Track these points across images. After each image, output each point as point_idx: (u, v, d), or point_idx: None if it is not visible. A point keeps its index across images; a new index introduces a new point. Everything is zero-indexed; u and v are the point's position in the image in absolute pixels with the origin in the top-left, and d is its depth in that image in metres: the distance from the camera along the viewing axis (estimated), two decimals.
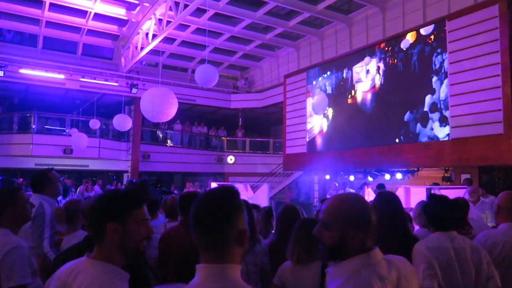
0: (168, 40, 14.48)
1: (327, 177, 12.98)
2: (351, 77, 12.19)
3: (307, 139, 13.66)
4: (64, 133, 14.89)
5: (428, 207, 2.35)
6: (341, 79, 12.51)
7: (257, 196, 10.15)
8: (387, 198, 2.48)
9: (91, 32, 14.67)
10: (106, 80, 15.13)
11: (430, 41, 9.93)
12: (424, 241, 2.24)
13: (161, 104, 5.09)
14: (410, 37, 10.43)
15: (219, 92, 18.00)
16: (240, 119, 19.14)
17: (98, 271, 1.39)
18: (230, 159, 17.72)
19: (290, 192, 12.97)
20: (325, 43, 14.92)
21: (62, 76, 14.47)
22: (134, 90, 15.02)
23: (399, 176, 10.93)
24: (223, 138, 18.76)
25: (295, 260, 2.37)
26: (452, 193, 6.26)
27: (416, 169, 10.72)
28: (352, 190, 10.85)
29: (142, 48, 13.07)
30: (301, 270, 2.34)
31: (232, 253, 1.19)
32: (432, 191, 6.41)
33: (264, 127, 20.13)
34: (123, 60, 15.48)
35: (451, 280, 2.09)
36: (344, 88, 12.44)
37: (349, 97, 12.24)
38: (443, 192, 6.40)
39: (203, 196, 1.27)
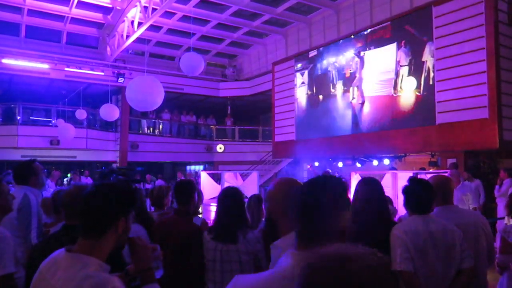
0: (154, 28, 14.28)
1: (316, 164, 13.06)
2: (338, 64, 12.20)
3: (296, 126, 13.71)
4: (50, 124, 14.69)
5: (406, 190, 2.39)
6: (329, 65, 12.50)
7: (247, 184, 10.17)
8: (367, 182, 2.52)
9: (75, 21, 14.38)
10: (92, 70, 14.90)
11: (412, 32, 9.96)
12: (401, 225, 2.28)
13: (147, 93, 5.04)
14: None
15: (207, 80, 17.88)
16: (229, 107, 19.08)
17: (77, 267, 1.34)
18: (220, 147, 17.71)
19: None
20: (313, 30, 14.86)
21: (46, 66, 14.21)
22: (120, 80, 14.83)
23: (386, 162, 11.05)
24: (212, 126, 18.71)
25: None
26: None
27: (403, 154, 10.85)
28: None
29: (127, 37, 12.87)
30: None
31: (333, 241, 1.08)
32: (418, 176, 6.50)
33: (253, 115, 20.11)
34: (108, 49, 15.24)
35: (427, 262, 2.15)
36: (332, 74, 12.44)
37: (336, 84, 12.28)
38: (430, 176, 6.49)
39: (315, 184, 1.21)
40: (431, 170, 9.28)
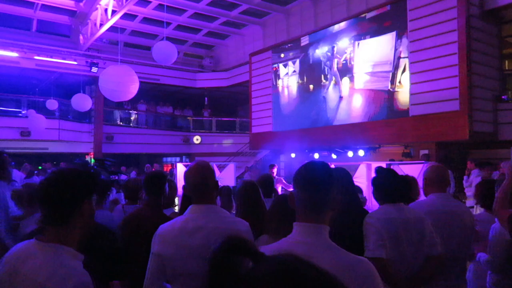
0: (129, 16, 13.94)
1: (293, 155, 13.14)
2: (311, 58, 12.24)
3: (273, 118, 13.74)
4: (21, 114, 14.19)
5: (375, 180, 2.43)
6: (322, 55, 12.40)
7: (224, 175, 10.12)
8: (337, 172, 2.56)
9: (46, 8, 13.86)
10: (64, 59, 14.44)
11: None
12: (374, 213, 2.33)
13: (121, 82, 4.91)
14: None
15: (184, 71, 17.64)
16: (206, 98, 18.92)
17: (49, 254, 1.32)
18: (197, 139, 17.57)
19: (250, 172, 12.73)
20: (291, 21, 14.85)
21: (16, 54, 13.67)
22: (94, 69, 14.44)
23: (361, 153, 11.22)
24: (189, 118, 18.52)
25: (272, 234, 2.41)
26: (411, 168, 6.51)
27: (378, 146, 11.04)
28: None
29: (101, 25, 12.52)
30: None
31: (327, 216, 1.37)
32: (391, 166, 6.63)
33: (231, 107, 20.01)
34: (81, 37, 14.79)
35: (398, 249, 2.20)
36: (308, 67, 12.49)
37: (310, 76, 12.33)
38: (403, 167, 6.63)
39: (312, 167, 1.41)
40: (404, 161, 9.49)
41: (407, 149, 10.59)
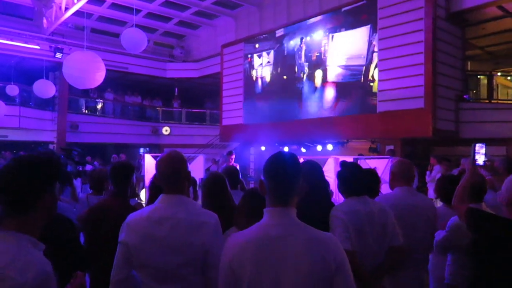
0: (96, 1, 13.45)
1: (263, 148, 13.18)
2: (285, 51, 12.28)
3: (244, 111, 13.70)
4: None
5: (340, 173, 2.47)
6: (278, 50, 12.53)
7: (193, 167, 9.99)
8: (310, 165, 2.59)
9: None
10: (26, 43, 13.75)
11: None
12: (339, 206, 2.37)
13: (86, 69, 4.72)
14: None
15: (154, 60, 17.25)
16: (176, 89, 18.61)
17: (10, 243, 1.26)
18: (166, 130, 17.29)
19: (215, 165, 12.68)
20: (264, 14, 14.79)
21: None
22: (58, 55, 13.85)
23: (330, 147, 11.41)
24: (158, 108, 18.18)
25: (242, 227, 2.40)
26: (377, 163, 6.68)
27: (346, 140, 11.26)
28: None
29: (66, 9, 12.01)
30: None
31: (294, 201, 1.51)
32: (359, 161, 6.79)
33: (201, 98, 19.77)
34: (45, 21, 14.13)
35: (363, 241, 2.26)
36: (279, 60, 12.51)
37: (283, 68, 12.37)
38: (369, 161, 6.80)
39: (281, 157, 1.53)
40: (370, 156, 9.72)
41: (374, 144, 10.86)
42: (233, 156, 9.29)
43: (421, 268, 2.76)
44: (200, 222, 1.76)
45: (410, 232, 2.59)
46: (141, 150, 17.91)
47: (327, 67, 11.04)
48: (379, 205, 2.42)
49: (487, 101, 10.39)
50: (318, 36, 11.36)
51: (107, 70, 6.13)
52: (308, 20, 11.75)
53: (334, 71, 10.84)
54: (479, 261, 2.27)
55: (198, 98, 19.45)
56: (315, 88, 11.41)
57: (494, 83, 11.03)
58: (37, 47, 13.91)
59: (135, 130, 16.70)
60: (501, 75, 11.93)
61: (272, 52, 12.78)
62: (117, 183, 2.58)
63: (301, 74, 11.82)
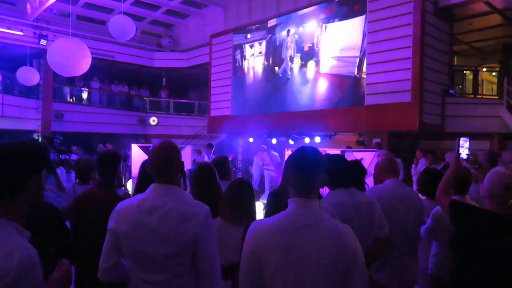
0: None
1: (251, 140, 13.17)
2: (277, 41, 12.22)
3: (232, 102, 13.64)
4: None
5: (328, 166, 2.48)
6: (269, 41, 12.42)
7: None
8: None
9: None
10: (8, 28, 13.40)
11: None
12: (327, 197, 2.39)
13: (71, 56, 4.62)
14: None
15: (141, 49, 17.01)
16: (164, 79, 18.41)
17: None
18: (153, 120, 17.13)
19: (200, 156, 12.74)
20: (253, 3, 14.67)
21: None
22: (43, 42, 13.54)
23: (317, 139, 11.46)
24: (145, 98, 17.96)
25: (235, 220, 2.42)
26: (364, 156, 6.74)
27: (333, 133, 11.32)
28: (276, 153, 11.16)
29: None
30: (231, 227, 2.43)
31: (316, 192, 1.63)
32: (346, 154, 6.83)
33: (190, 88, 19.61)
34: (29, 6, 13.77)
35: None
36: (271, 50, 12.44)
37: (272, 61, 12.31)
38: (356, 154, 6.85)
39: (307, 151, 1.63)
40: (357, 149, 9.80)
41: (361, 137, 10.95)
42: (213, 150, 9.67)
43: (413, 255, 2.85)
44: (191, 213, 1.74)
45: (402, 221, 2.69)
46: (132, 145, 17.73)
47: (319, 59, 10.95)
48: (366, 197, 2.45)
49: (472, 96, 10.54)
50: (310, 26, 11.20)
51: (93, 58, 6.01)
52: (299, 11, 11.61)
53: (328, 63, 10.73)
54: (462, 253, 2.32)
55: (187, 89, 19.29)
56: (307, 80, 11.35)
57: (480, 78, 11.18)
58: (21, 33, 13.57)
59: (122, 120, 16.50)
60: (486, 71, 12.09)
61: (264, 42, 12.66)
62: (104, 173, 2.55)
63: (292, 65, 11.74)
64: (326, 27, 10.78)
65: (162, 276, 1.71)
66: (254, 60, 12.97)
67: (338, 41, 10.52)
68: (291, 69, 11.75)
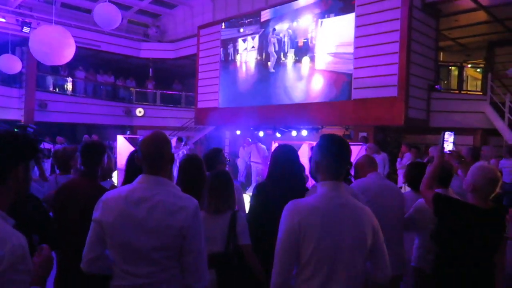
0: None
1: (238, 132, 13.16)
2: (263, 34, 12.16)
3: (220, 94, 13.57)
4: None
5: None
6: (282, 32, 11.91)
7: None
8: (286, 149, 2.62)
9: None
10: None
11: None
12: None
13: (54, 44, 4.51)
14: None
15: (128, 39, 16.74)
16: (151, 69, 18.17)
17: None
18: (139, 111, 16.93)
19: (200, 146, 13.00)
20: None
21: None
22: (26, 29, 13.20)
23: (304, 132, 11.50)
24: (131, 89, 17.72)
25: (212, 210, 2.42)
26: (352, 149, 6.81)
27: (320, 126, 11.37)
28: (263, 146, 11.18)
29: None
30: (213, 219, 2.43)
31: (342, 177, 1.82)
32: None
33: (177, 80, 19.43)
34: None
35: None
36: (264, 45, 12.31)
37: (259, 54, 12.23)
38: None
39: (336, 139, 1.82)
40: None
41: (348, 131, 11.02)
42: (182, 143, 10.04)
43: (400, 244, 2.92)
44: (180, 206, 1.72)
45: (387, 211, 2.74)
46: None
47: (315, 55, 10.77)
48: (351, 189, 2.47)
49: (457, 91, 10.69)
50: (305, 21, 11.04)
51: (78, 47, 5.88)
52: (289, 2, 11.45)
53: (323, 59, 10.58)
54: (444, 245, 2.36)
55: (174, 80, 19.10)
56: (299, 75, 11.20)
57: (464, 74, 11.34)
58: (3, 19, 13.21)
59: (107, 111, 16.26)
60: (471, 67, 12.27)
61: (257, 36, 12.49)
62: (87, 163, 2.50)
63: (285, 60, 11.55)
64: (322, 22, 10.63)
65: (148, 269, 1.69)
66: (247, 54, 12.81)
67: (334, 37, 10.35)
68: (281, 64, 11.68)
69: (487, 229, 2.25)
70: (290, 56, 11.46)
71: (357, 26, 9.80)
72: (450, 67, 11.70)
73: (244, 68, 12.91)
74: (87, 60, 16.09)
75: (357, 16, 9.80)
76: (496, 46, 12.66)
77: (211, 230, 2.36)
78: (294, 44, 11.37)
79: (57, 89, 15.87)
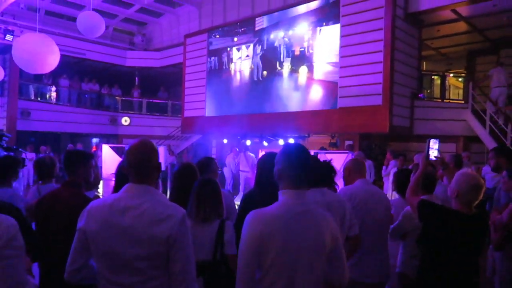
0: None
1: (225, 141, 13.14)
2: (264, 45, 12.10)
3: (206, 103, 13.56)
4: None
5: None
6: (277, 40, 11.74)
7: None
8: (272, 158, 2.62)
9: None
10: None
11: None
12: None
13: (38, 52, 4.44)
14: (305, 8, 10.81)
15: (113, 47, 16.65)
16: (137, 78, 18.06)
17: None
18: (125, 120, 16.77)
19: (187, 155, 12.96)
20: (227, 5, 14.64)
21: None
22: (8, 37, 13.00)
23: (291, 141, 11.54)
24: (117, 97, 17.55)
25: (200, 218, 2.39)
26: (336, 157, 6.85)
27: (307, 135, 11.44)
28: (252, 154, 11.17)
29: None
30: (201, 227, 2.40)
31: (306, 183, 1.81)
32: (318, 155, 6.93)
33: (163, 88, 19.35)
34: None
35: None
36: (264, 52, 12.22)
37: (284, 62, 12.01)
38: (329, 156, 6.96)
39: (294, 147, 1.82)
40: (330, 150, 9.95)
41: (334, 139, 11.12)
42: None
43: (385, 251, 2.93)
44: (166, 214, 1.69)
45: (374, 218, 2.76)
46: (94, 140, 17.31)
47: (313, 64, 10.62)
48: (338, 196, 2.50)
49: (440, 100, 10.91)
50: (301, 30, 10.92)
51: (62, 55, 5.81)
52: (287, 12, 11.34)
53: (322, 68, 10.42)
54: (429, 251, 2.39)
55: (160, 88, 19.02)
56: (294, 85, 11.03)
57: (447, 83, 11.60)
58: None
59: (92, 119, 16.05)
60: (453, 76, 12.56)
61: (251, 45, 12.37)
62: (70, 172, 2.46)
63: (282, 70, 11.42)
64: (320, 30, 10.49)
65: (133, 278, 1.66)
66: (242, 63, 12.65)
67: (333, 46, 10.22)
68: (276, 74, 11.53)
69: (471, 235, 2.29)
70: (286, 66, 11.29)
71: (342, 36, 9.95)
72: (432, 76, 11.95)
73: (235, 77, 12.84)
74: (72, 68, 15.93)
75: (342, 26, 9.96)
76: (476, 55, 12.99)
77: (199, 238, 2.34)
78: (290, 53, 11.21)
79: (40, 98, 15.64)
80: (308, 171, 1.79)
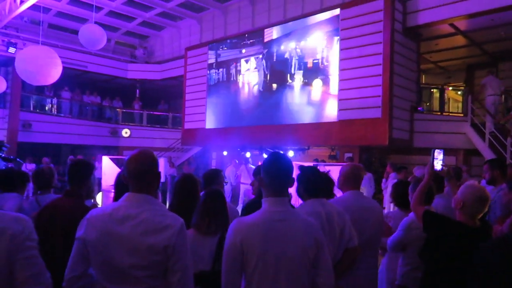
0: None
1: (225, 153, 13.16)
2: (273, 57, 12.12)
3: (207, 115, 13.62)
4: None
5: (300, 177, 2.53)
6: (288, 52, 11.49)
7: None
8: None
9: None
10: None
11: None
12: (300, 207, 2.43)
13: (41, 64, 4.50)
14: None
15: (115, 60, 16.80)
16: (138, 90, 18.17)
17: None
18: (126, 132, 16.81)
19: (188, 166, 12.95)
20: (228, 19, 14.83)
21: None
22: (11, 50, 13.15)
23: (291, 153, 11.55)
24: (118, 109, 17.63)
25: (204, 229, 2.36)
26: (336, 170, 6.85)
27: (306, 147, 11.46)
28: (252, 166, 11.17)
29: (22, 2, 11.42)
30: (202, 239, 2.37)
31: (287, 192, 1.89)
32: (318, 167, 6.94)
33: (164, 100, 19.45)
34: None
35: None
36: (272, 64, 11.97)
37: (295, 74, 11.44)
38: (328, 168, 6.96)
39: (278, 157, 1.89)
40: (330, 163, 9.96)
41: (333, 151, 11.12)
42: None
43: (373, 266, 2.87)
44: (165, 224, 1.69)
45: (362, 232, 2.71)
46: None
47: (329, 76, 10.31)
48: (336, 208, 2.49)
49: (439, 113, 10.95)
50: (314, 41, 10.67)
51: (64, 68, 5.88)
52: (292, 24, 11.24)
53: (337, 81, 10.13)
54: (432, 262, 2.38)
55: (161, 101, 19.12)
56: (310, 100, 10.76)
57: (446, 96, 11.65)
58: None
59: (93, 131, 16.09)
60: (452, 89, 12.62)
61: (252, 58, 12.32)
62: (73, 182, 2.48)
63: (293, 82, 11.22)
64: (339, 40, 10.15)
65: None
66: (250, 75, 12.50)
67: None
68: (286, 86, 11.40)
69: (474, 247, 2.29)
70: (298, 78, 11.00)
71: (341, 49, 10.05)
72: (432, 89, 12.02)
73: (243, 89, 12.70)
74: (74, 80, 16.04)
75: (341, 40, 10.06)
76: (475, 69, 13.08)
77: (199, 249, 2.34)
78: (302, 65, 10.90)
79: (42, 110, 15.71)
80: (288, 180, 1.84)
